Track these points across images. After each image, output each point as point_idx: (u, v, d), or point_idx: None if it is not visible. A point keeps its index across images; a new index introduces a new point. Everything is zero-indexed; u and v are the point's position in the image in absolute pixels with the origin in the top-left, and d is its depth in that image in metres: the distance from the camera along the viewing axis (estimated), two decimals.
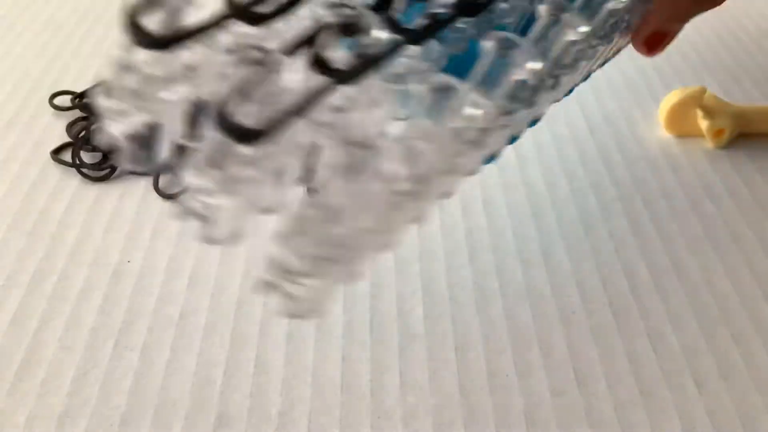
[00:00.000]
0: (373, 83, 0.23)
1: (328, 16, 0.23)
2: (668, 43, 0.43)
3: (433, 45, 0.25)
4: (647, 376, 0.33)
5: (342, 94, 0.22)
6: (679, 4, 0.43)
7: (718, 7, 0.40)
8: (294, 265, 0.23)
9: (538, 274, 0.37)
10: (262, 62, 0.21)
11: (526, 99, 0.26)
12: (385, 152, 0.23)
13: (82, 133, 0.46)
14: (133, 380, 0.32)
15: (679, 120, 0.48)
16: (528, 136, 0.48)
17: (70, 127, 0.47)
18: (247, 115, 0.20)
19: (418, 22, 0.25)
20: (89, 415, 0.30)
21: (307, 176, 0.23)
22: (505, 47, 0.25)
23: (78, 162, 0.43)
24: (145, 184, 0.42)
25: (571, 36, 0.27)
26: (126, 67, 0.21)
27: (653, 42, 0.42)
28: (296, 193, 0.23)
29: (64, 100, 0.50)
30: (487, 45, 0.25)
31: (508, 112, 0.26)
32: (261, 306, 0.35)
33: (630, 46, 0.41)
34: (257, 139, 0.20)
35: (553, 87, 0.28)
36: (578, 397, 0.32)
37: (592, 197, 0.42)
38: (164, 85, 0.22)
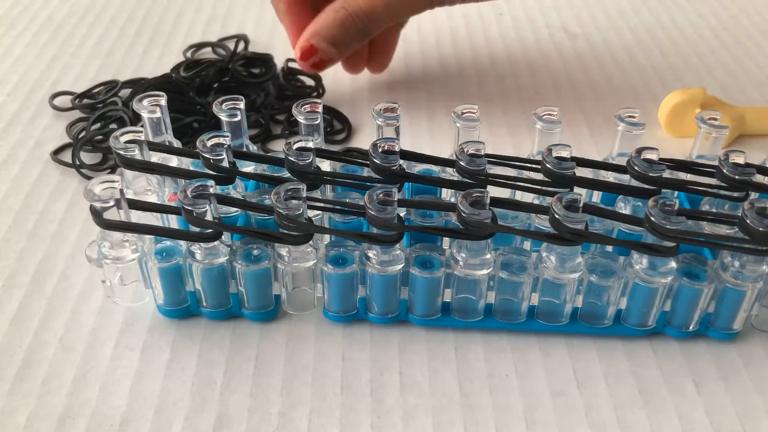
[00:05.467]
0: None
1: None
2: (322, 63, 0.48)
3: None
4: (647, 376, 0.33)
5: None
6: (324, 22, 0.48)
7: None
8: None
9: None
10: None
11: None
12: None
13: (82, 133, 0.46)
14: (133, 380, 0.32)
15: (679, 121, 0.48)
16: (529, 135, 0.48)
17: (70, 127, 0.47)
18: None
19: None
20: (89, 415, 0.30)
21: None
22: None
23: (78, 162, 0.43)
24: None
25: None
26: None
27: (305, 54, 0.47)
28: None
29: (64, 101, 0.50)
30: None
31: None
32: None
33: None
34: None
35: None
36: (578, 397, 0.32)
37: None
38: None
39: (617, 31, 0.61)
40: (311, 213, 0.33)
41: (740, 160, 0.33)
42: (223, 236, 0.32)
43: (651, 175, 0.32)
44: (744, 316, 0.33)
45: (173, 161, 0.36)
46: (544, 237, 0.31)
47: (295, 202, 0.30)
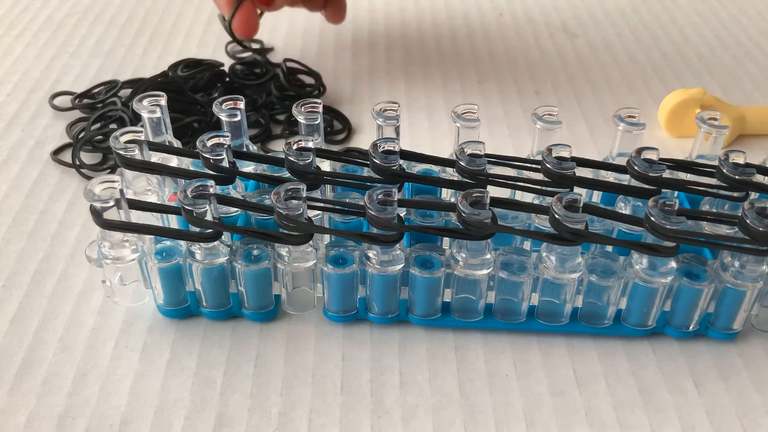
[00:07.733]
0: None
1: None
2: None
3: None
4: (647, 376, 0.33)
5: None
6: None
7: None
8: None
9: None
10: None
11: None
12: None
13: (82, 133, 0.46)
14: (133, 380, 0.32)
15: (679, 121, 0.48)
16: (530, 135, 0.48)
17: (70, 128, 0.47)
18: None
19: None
20: (89, 415, 0.30)
21: None
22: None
23: (78, 162, 0.43)
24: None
25: None
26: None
27: None
28: None
29: (64, 101, 0.50)
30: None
31: None
32: None
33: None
34: None
35: None
36: (578, 397, 0.32)
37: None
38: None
39: (617, 31, 0.61)
40: (311, 213, 0.33)
41: (740, 160, 0.33)
42: (223, 236, 0.32)
43: (651, 175, 0.32)
44: (744, 316, 0.33)
45: (173, 161, 0.36)
46: (544, 237, 0.31)
47: (295, 202, 0.30)
